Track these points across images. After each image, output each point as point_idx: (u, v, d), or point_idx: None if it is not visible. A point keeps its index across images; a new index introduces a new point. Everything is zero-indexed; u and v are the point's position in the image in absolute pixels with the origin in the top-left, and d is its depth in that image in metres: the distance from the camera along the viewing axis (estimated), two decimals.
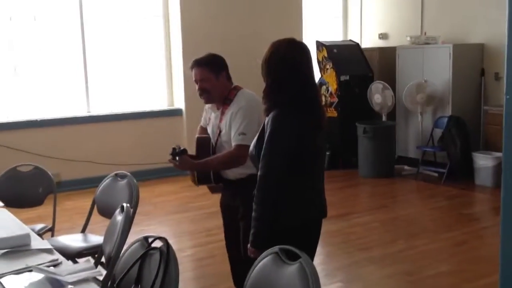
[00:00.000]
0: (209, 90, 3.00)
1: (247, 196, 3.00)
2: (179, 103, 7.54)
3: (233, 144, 2.93)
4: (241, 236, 3.05)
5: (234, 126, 2.93)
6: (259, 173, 2.44)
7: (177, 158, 2.95)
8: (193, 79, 3.04)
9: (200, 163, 3.02)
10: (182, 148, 2.97)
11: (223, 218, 3.28)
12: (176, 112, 7.49)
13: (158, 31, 7.51)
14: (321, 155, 2.63)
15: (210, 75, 2.98)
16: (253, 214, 2.45)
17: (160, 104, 7.62)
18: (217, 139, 3.08)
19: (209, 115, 3.20)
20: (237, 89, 3.06)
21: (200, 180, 3.16)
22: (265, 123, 2.48)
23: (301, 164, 2.47)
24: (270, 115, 2.45)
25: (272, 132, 2.41)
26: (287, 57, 2.47)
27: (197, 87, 3.03)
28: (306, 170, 2.50)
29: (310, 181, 2.53)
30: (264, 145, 2.43)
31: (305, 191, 2.52)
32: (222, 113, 3.03)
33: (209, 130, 3.19)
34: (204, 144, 3.14)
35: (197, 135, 3.24)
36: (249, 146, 2.80)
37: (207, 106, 3.21)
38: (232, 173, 3.06)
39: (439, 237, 4.97)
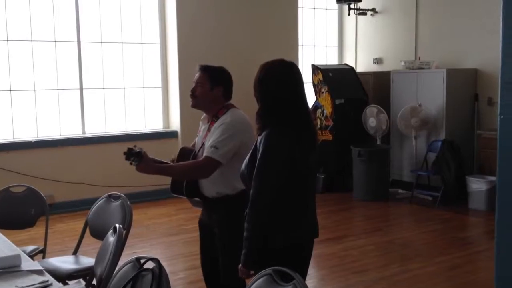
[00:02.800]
0: (197, 95, 3.03)
1: (223, 217, 2.98)
2: (175, 125, 7.56)
3: (203, 155, 2.92)
4: (219, 254, 3.03)
5: (212, 138, 2.93)
6: (251, 192, 2.44)
7: (132, 159, 2.77)
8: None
9: (162, 167, 2.94)
10: (138, 150, 2.79)
11: (200, 234, 3.27)
12: (171, 134, 7.50)
13: (155, 54, 7.57)
14: (312, 175, 2.63)
15: (206, 83, 3.02)
16: (244, 233, 2.44)
17: (155, 126, 7.64)
18: (198, 152, 3.07)
19: (200, 128, 3.22)
20: (228, 107, 3.06)
21: (173, 189, 3.13)
22: (258, 142, 2.49)
23: (294, 184, 2.47)
24: (263, 134, 2.46)
25: (265, 151, 2.42)
26: (278, 77, 2.50)
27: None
28: (298, 190, 2.50)
29: (302, 200, 2.53)
30: (257, 164, 2.43)
31: (298, 211, 2.51)
32: (209, 129, 3.05)
33: (197, 143, 3.20)
34: (186, 154, 3.13)
35: (182, 146, 3.26)
36: (216, 161, 2.84)
37: (202, 117, 3.23)
38: (208, 191, 3.05)
39: (433, 260, 4.95)
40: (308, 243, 2.59)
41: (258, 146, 2.47)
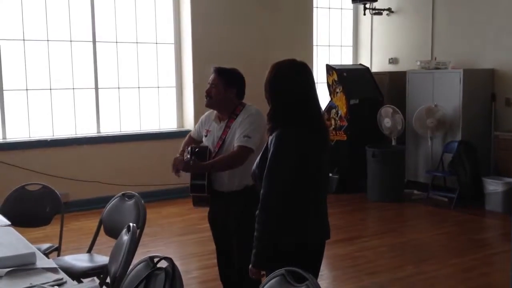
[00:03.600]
0: (212, 96, 3.20)
1: (240, 210, 3.05)
2: (189, 124, 7.57)
3: (236, 145, 3.08)
4: (235, 252, 3.08)
5: (240, 129, 3.10)
6: (261, 192, 2.43)
7: (192, 157, 3.07)
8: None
9: (207, 165, 3.13)
10: (198, 150, 3.14)
11: (213, 232, 3.36)
12: (185, 134, 7.44)
13: (169, 54, 7.59)
14: (324, 175, 2.61)
15: (221, 85, 3.19)
16: (255, 233, 2.43)
17: (169, 125, 7.67)
18: (217, 150, 3.19)
19: (206, 128, 3.33)
20: (243, 105, 3.25)
21: (193, 188, 3.25)
22: (268, 142, 2.48)
23: (304, 185, 2.45)
24: (274, 135, 2.45)
25: (275, 152, 2.41)
26: (290, 77, 2.49)
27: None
28: (309, 191, 2.48)
29: (313, 201, 2.51)
30: (267, 164, 2.43)
31: (309, 211, 2.50)
32: (227, 126, 3.18)
33: (208, 141, 3.30)
34: (202, 153, 3.23)
35: (193, 145, 3.36)
36: (250, 149, 3.02)
37: (204, 118, 3.39)
38: (229, 185, 3.16)
39: (448, 262, 4.90)
40: (320, 244, 2.58)
41: (269, 147, 2.46)
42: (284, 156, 2.41)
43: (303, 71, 2.52)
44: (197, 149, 3.14)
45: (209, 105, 3.26)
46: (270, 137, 2.48)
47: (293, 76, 2.50)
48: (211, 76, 3.23)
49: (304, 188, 2.46)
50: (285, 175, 2.41)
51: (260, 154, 2.55)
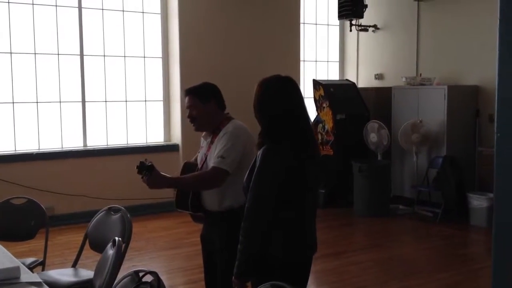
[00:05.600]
0: (196, 117, 3.09)
1: (225, 230, 2.99)
2: (176, 138, 7.58)
3: (210, 165, 2.96)
4: (218, 271, 3.04)
5: (217, 148, 2.97)
6: (246, 206, 2.45)
7: (144, 172, 2.79)
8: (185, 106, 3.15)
9: (172, 178, 2.98)
10: (149, 163, 2.81)
11: (202, 250, 3.29)
12: (172, 148, 7.51)
13: (157, 68, 7.61)
14: (313, 189, 2.63)
15: (198, 103, 3.07)
16: (239, 245, 2.45)
17: (157, 139, 7.66)
18: (201, 167, 3.10)
19: (201, 145, 3.26)
20: (229, 119, 3.12)
21: (178, 204, 3.16)
22: (256, 157, 2.51)
23: (291, 198, 2.47)
24: (261, 149, 2.48)
25: (261, 165, 2.44)
26: (276, 94, 2.51)
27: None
28: (296, 204, 2.50)
29: (300, 215, 2.53)
30: (252, 179, 2.45)
31: (295, 225, 2.51)
32: (211, 142, 3.08)
33: (198, 159, 3.23)
34: (190, 169, 3.16)
35: (186, 161, 3.29)
36: (225, 170, 2.88)
37: (202, 137, 3.27)
38: (212, 204, 3.06)
39: (434, 277, 4.92)
40: (306, 258, 2.59)
41: (256, 161, 2.49)
42: (270, 171, 2.43)
43: (288, 86, 2.55)
44: (144, 164, 2.83)
45: (198, 129, 3.14)
46: (259, 152, 2.50)
47: (279, 91, 2.52)
48: (186, 100, 3.12)
49: (290, 201, 2.47)
50: (270, 189, 2.42)
51: (249, 168, 2.57)
